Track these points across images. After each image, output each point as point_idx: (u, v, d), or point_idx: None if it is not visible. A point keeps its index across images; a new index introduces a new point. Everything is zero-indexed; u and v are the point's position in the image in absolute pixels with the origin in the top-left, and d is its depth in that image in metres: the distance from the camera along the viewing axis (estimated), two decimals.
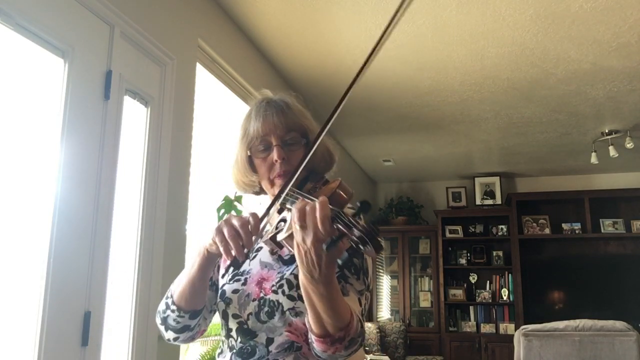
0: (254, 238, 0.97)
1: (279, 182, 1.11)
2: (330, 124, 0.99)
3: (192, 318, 1.13)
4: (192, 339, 1.19)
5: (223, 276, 1.19)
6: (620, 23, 3.11)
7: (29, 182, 1.73)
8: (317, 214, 0.81)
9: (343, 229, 0.80)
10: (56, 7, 1.81)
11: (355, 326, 0.90)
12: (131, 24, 2.17)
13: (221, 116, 3.57)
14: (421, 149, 5.76)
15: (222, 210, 3.01)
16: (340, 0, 2.91)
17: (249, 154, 1.16)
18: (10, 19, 1.63)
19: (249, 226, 0.97)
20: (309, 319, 0.91)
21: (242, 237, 0.96)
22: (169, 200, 2.37)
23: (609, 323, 3.40)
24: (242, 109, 3.41)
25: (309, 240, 0.82)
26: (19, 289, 1.67)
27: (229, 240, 0.96)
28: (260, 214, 1.01)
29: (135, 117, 2.25)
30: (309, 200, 0.87)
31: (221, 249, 0.97)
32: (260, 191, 1.22)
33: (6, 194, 1.65)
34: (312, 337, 0.92)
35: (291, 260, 1.10)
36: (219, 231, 0.98)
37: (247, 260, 1.17)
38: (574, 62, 3.62)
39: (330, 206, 0.83)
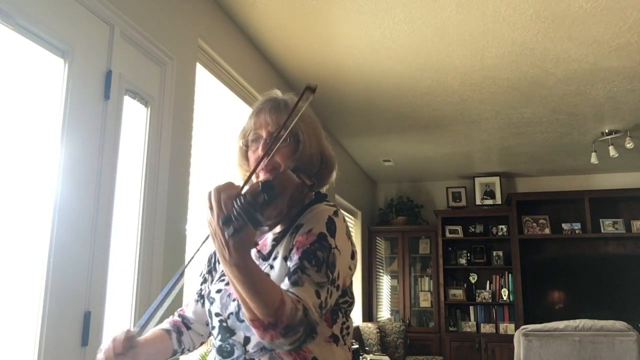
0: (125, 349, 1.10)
1: (261, 175, 1.15)
2: (291, 121, 1.06)
3: (172, 357, 1.24)
4: (190, 351, 1.30)
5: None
6: (620, 23, 3.11)
7: (29, 182, 1.73)
8: (221, 195, 0.88)
9: (237, 208, 0.87)
10: (56, 7, 1.81)
11: (288, 313, 0.90)
12: (131, 24, 2.17)
13: (221, 116, 3.57)
14: (421, 149, 5.76)
15: None
16: (340, 0, 2.91)
17: (241, 144, 1.23)
18: (10, 19, 1.63)
19: (119, 342, 1.10)
20: (241, 304, 0.94)
21: (113, 349, 1.10)
22: (169, 200, 2.37)
23: (609, 323, 3.40)
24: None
25: (214, 221, 0.88)
26: (19, 289, 1.67)
27: (102, 355, 1.11)
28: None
29: (135, 117, 2.25)
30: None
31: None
32: None
33: (6, 194, 1.65)
34: (248, 322, 0.94)
35: (269, 255, 1.13)
36: (99, 351, 1.13)
37: None
38: (574, 62, 3.62)
39: (243, 189, 0.90)
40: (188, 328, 1.29)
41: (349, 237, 1.13)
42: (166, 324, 1.29)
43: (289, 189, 0.97)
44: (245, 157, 1.23)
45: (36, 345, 1.65)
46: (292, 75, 3.88)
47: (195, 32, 2.73)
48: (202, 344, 1.32)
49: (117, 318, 2.06)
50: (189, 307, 1.32)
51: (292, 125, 1.11)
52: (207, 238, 1.20)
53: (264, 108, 1.19)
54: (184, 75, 2.59)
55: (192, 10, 2.72)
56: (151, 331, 1.25)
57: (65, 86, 1.83)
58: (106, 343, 1.13)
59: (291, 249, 1.06)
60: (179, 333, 1.27)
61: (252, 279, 0.89)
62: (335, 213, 1.12)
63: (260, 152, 1.15)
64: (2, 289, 1.62)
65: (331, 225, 1.08)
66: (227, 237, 0.86)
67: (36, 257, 1.70)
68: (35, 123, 1.77)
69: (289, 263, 1.04)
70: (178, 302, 1.54)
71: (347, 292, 1.13)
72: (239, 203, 0.85)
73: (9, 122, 1.67)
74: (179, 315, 1.32)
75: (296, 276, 0.99)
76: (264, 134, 1.17)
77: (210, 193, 0.89)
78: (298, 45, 3.44)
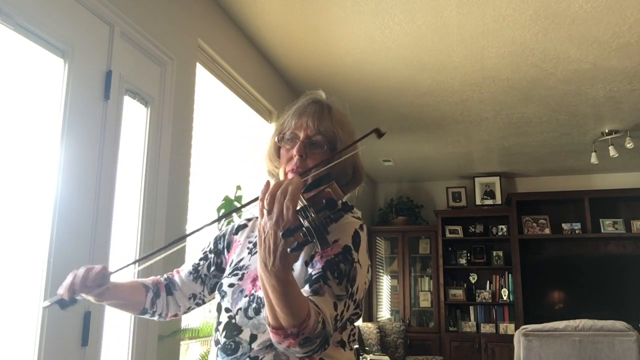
0: (86, 287, 1.13)
1: (290, 175, 1.14)
2: (345, 151, 1.07)
3: (141, 314, 1.27)
4: (161, 317, 1.31)
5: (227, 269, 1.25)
6: (620, 23, 3.11)
7: (29, 182, 1.73)
8: (286, 199, 0.83)
9: (302, 221, 0.82)
10: (56, 7, 1.81)
11: (312, 326, 0.89)
12: (131, 24, 2.17)
13: (221, 116, 3.57)
14: (421, 149, 5.76)
15: (222, 210, 3.01)
16: (340, 0, 2.91)
17: (276, 141, 1.21)
18: (10, 19, 1.63)
19: (89, 275, 1.13)
20: (266, 308, 0.91)
21: (77, 279, 1.12)
22: (169, 200, 2.37)
23: (609, 323, 3.40)
24: (242, 108, 3.41)
25: (269, 224, 0.84)
26: (19, 289, 1.67)
27: (69, 276, 1.13)
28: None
29: (135, 117, 2.25)
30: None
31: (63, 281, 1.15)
32: None
33: (6, 194, 1.65)
34: (267, 327, 0.92)
35: None
36: (75, 266, 1.17)
37: (249, 256, 1.20)
38: (574, 62, 3.62)
39: (303, 198, 0.84)
40: (169, 293, 1.29)
41: (368, 251, 1.14)
42: (147, 280, 1.30)
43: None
44: (277, 153, 1.22)
45: (36, 345, 1.65)
46: (292, 75, 3.88)
47: (195, 32, 2.73)
48: (175, 315, 1.31)
49: (117, 318, 2.06)
50: (179, 275, 1.31)
51: (329, 132, 1.14)
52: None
53: (307, 111, 1.18)
54: (184, 75, 2.59)
55: (192, 10, 2.72)
56: (130, 280, 1.27)
57: (65, 86, 1.83)
58: (79, 270, 1.15)
59: (313, 255, 1.06)
60: (156, 295, 1.27)
61: (287, 290, 0.87)
62: (361, 227, 1.13)
63: (295, 152, 1.14)
64: (2, 289, 1.62)
65: (356, 238, 1.09)
66: (287, 250, 0.81)
67: (36, 257, 1.70)
68: (35, 123, 1.78)
69: (309, 269, 1.03)
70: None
71: (359, 304, 1.13)
72: (311, 218, 0.80)
73: (9, 122, 1.67)
74: (166, 278, 1.32)
75: (317, 285, 0.98)
76: (301, 135, 1.16)
77: (270, 194, 0.85)
78: (298, 45, 3.44)
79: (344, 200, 1.15)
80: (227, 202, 3.01)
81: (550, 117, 4.69)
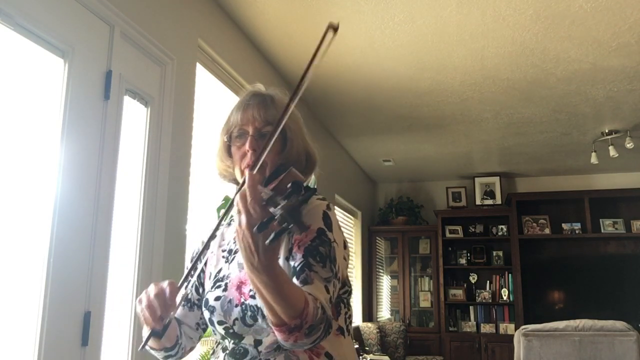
0: (169, 307, 1.04)
1: (246, 172, 1.12)
2: (285, 117, 0.97)
3: (168, 351, 1.18)
4: (180, 357, 1.23)
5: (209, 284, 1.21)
6: (620, 23, 3.11)
7: (29, 182, 1.73)
8: (247, 198, 0.84)
9: (273, 210, 0.83)
10: (56, 7, 1.81)
11: (312, 313, 0.90)
12: (131, 24, 2.17)
13: (221, 116, 3.56)
14: (421, 149, 5.76)
15: (222, 210, 3.01)
16: (340, 0, 2.91)
17: (225, 140, 1.19)
18: (10, 19, 1.63)
19: (165, 295, 1.04)
20: (264, 310, 0.91)
21: (156, 307, 1.03)
22: (169, 200, 2.37)
23: (609, 323, 3.40)
24: None
25: (243, 224, 0.85)
26: (19, 289, 1.67)
27: (145, 310, 1.04)
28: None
29: (135, 117, 2.25)
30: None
31: (141, 319, 1.05)
32: (234, 181, 1.24)
33: (6, 194, 1.65)
34: (272, 327, 0.92)
35: None
36: (139, 301, 1.07)
37: (227, 265, 1.17)
38: (574, 62, 3.62)
39: (266, 190, 0.86)
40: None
41: (339, 227, 1.14)
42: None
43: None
44: (228, 152, 1.20)
45: (36, 345, 1.65)
46: (292, 75, 3.87)
47: (195, 32, 2.73)
48: (191, 349, 1.26)
49: (117, 318, 2.06)
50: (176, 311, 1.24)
51: (277, 120, 1.09)
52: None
53: (251, 104, 1.16)
54: (184, 75, 2.59)
55: (192, 10, 2.72)
56: None
57: (65, 86, 1.83)
58: (149, 293, 1.05)
59: (291, 248, 1.05)
60: (179, 325, 1.22)
61: (279, 283, 0.87)
62: (328, 207, 1.12)
63: (247, 147, 1.13)
64: (2, 289, 1.62)
65: (327, 219, 1.09)
66: (266, 243, 0.82)
67: (36, 257, 1.70)
68: (35, 123, 1.78)
69: (292, 262, 1.03)
70: None
71: (346, 282, 1.14)
72: (281, 205, 0.81)
73: (9, 122, 1.67)
74: None
75: (304, 274, 0.99)
76: (250, 130, 1.14)
77: (238, 198, 0.86)
78: (298, 45, 3.44)
79: (305, 185, 1.14)
80: (227, 202, 3.01)
81: (550, 117, 4.69)
